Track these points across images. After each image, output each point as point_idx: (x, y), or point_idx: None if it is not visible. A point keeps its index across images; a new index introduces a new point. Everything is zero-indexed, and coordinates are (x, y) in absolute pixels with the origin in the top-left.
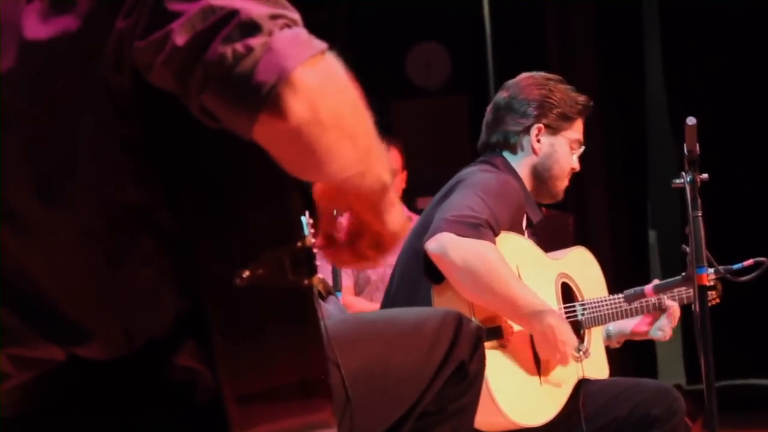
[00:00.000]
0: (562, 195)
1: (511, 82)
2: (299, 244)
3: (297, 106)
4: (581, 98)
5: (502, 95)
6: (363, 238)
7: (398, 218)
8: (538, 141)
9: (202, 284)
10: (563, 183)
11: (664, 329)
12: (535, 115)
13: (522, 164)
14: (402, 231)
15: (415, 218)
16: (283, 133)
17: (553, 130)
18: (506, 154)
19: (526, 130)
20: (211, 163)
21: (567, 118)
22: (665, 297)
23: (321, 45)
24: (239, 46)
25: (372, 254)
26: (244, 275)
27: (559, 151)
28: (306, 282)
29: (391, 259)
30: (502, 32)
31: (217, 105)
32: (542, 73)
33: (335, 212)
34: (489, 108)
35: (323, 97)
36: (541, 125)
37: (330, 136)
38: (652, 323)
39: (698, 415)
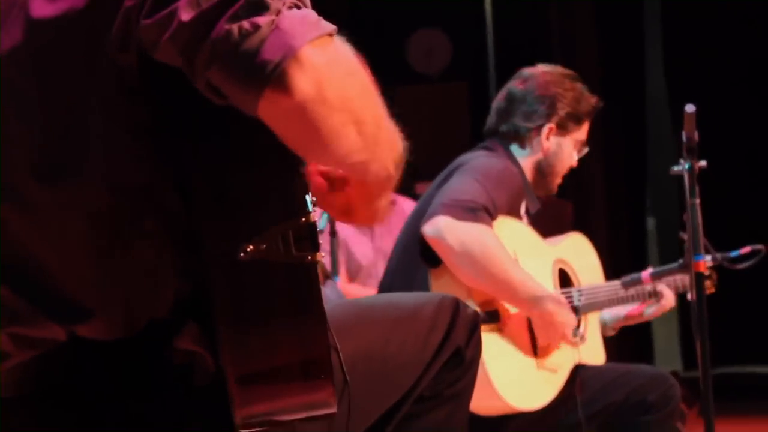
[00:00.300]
0: (556, 190)
1: (528, 73)
2: (303, 219)
3: (303, 83)
4: (593, 99)
5: (517, 86)
6: (338, 195)
7: (384, 207)
8: (548, 140)
9: (206, 263)
10: (560, 179)
11: (655, 308)
12: (548, 114)
13: (528, 159)
14: (380, 219)
15: (401, 201)
16: (288, 110)
17: (562, 130)
18: (514, 147)
19: (538, 129)
20: (216, 142)
21: (577, 120)
22: (662, 284)
23: (329, 27)
24: (246, 24)
25: (335, 213)
26: (248, 250)
27: (564, 150)
28: (309, 258)
29: (380, 244)
30: (503, 19)
31: (223, 81)
32: (560, 69)
33: None
34: (502, 95)
35: (330, 78)
36: (552, 125)
37: (336, 117)
38: (644, 306)
39: (694, 401)
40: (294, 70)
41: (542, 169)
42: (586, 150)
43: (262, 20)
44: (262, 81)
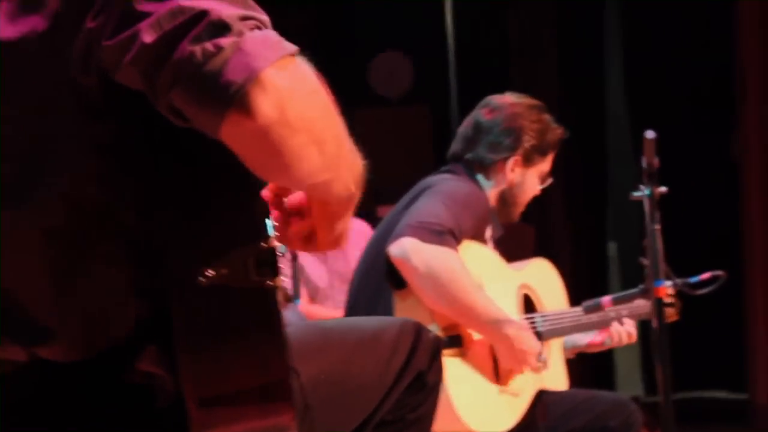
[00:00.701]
0: (518, 219)
1: (496, 102)
2: (263, 244)
3: (265, 106)
4: (558, 131)
5: (485, 115)
6: (299, 223)
7: (344, 230)
8: (513, 171)
9: (166, 285)
10: (522, 209)
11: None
12: (514, 146)
13: (492, 189)
14: (341, 244)
15: (354, 223)
16: (250, 133)
17: (527, 162)
18: (479, 177)
19: (503, 160)
20: (178, 163)
21: (542, 152)
22: (621, 311)
23: (291, 47)
24: (209, 45)
25: (295, 243)
26: (208, 274)
27: (527, 182)
28: (269, 282)
29: (334, 267)
30: (464, 42)
31: (185, 103)
32: (527, 100)
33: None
34: (469, 122)
35: (292, 99)
36: (518, 157)
37: (298, 139)
38: (606, 335)
39: (655, 427)
40: (256, 92)
41: (506, 199)
42: (549, 180)
43: (225, 42)
44: (224, 103)
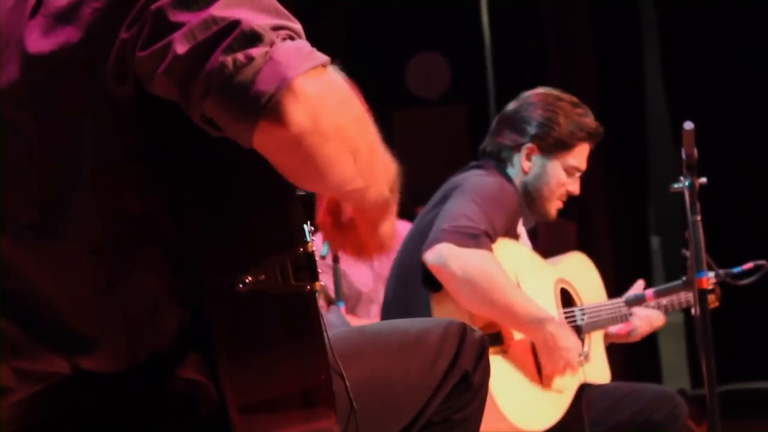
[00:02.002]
0: (554, 215)
1: (524, 94)
2: (301, 249)
3: (297, 114)
4: (590, 126)
5: (510, 106)
6: (352, 233)
7: (390, 233)
8: (528, 160)
9: (205, 293)
10: (553, 204)
11: (636, 330)
12: (531, 134)
13: (514, 178)
14: (388, 246)
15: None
16: (283, 141)
17: (546, 153)
18: (501, 166)
19: (518, 148)
20: (213, 171)
21: (564, 145)
22: (662, 302)
23: (323, 57)
24: (240, 56)
25: (351, 252)
26: (246, 281)
27: (550, 173)
28: (308, 287)
29: (379, 270)
30: (501, 41)
31: (218, 113)
32: (556, 93)
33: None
34: (497, 115)
35: (324, 108)
36: (533, 146)
37: (330, 147)
38: (631, 326)
39: (703, 419)
40: (288, 101)
41: (529, 192)
42: (577, 175)
43: (256, 52)
44: (256, 112)
